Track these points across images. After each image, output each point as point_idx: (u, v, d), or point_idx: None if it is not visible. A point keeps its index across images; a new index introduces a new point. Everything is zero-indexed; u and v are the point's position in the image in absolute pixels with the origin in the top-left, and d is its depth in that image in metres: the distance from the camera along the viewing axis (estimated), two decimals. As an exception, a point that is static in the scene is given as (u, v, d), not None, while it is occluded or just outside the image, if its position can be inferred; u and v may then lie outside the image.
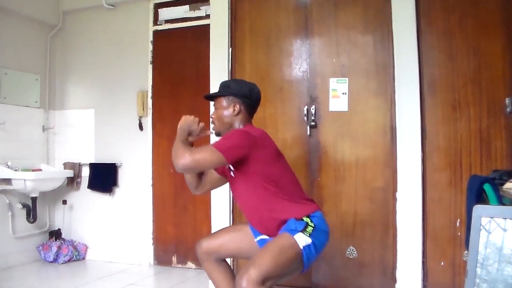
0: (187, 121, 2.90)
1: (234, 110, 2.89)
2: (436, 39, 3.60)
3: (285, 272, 2.59)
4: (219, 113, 2.95)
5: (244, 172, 2.77)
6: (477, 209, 1.96)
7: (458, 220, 3.51)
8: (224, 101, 2.93)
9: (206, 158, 2.62)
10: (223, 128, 2.95)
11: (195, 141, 2.93)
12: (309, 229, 2.62)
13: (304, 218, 2.65)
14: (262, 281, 2.41)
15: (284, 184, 2.76)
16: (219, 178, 3.06)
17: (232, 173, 2.85)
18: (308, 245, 2.58)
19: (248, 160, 2.71)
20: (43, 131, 5.44)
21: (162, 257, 5.07)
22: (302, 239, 2.57)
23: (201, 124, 2.91)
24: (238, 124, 2.91)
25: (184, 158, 2.64)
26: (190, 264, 4.94)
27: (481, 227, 1.93)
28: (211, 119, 3.01)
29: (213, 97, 3.02)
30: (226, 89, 2.97)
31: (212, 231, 4.02)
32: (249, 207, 2.87)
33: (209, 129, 3.07)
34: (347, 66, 3.80)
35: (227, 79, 4.03)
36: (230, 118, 2.91)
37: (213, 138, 3.06)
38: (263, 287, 2.41)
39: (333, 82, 3.79)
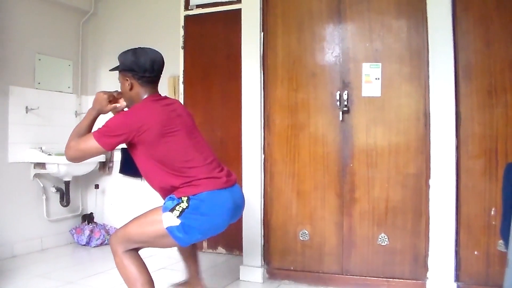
0: (98, 99, 2.95)
1: (127, 85, 2.86)
2: (472, 24, 3.52)
3: (151, 242, 2.76)
4: (121, 89, 2.95)
5: (133, 151, 2.81)
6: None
7: (493, 209, 3.44)
8: (120, 77, 2.92)
9: (86, 148, 2.72)
10: (129, 103, 2.95)
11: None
12: (178, 209, 2.63)
13: (183, 198, 2.65)
14: (124, 241, 2.70)
15: (171, 163, 2.72)
16: None
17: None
18: (175, 226, 2.61)
19: (133, 144, 2.74)
20: (76, 116, 5.51)
21: (192, 242, 5.10)
22: (168, 219, 2.62)
23: (110, 106, 2.96)
24: (136, 98, 2.87)
25: (69, 149, 2.79)
26: (220, 249, 4.97)
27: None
28: None
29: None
30: (119, 63, 2.93)
31: (243, 218, 4.03)
32: (147, 179, 2.91)
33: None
34: (381, 51, 3.74)
35: (258, 64, 4.02)
36: (128, 94, 2.89)
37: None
38: (122, 245, 2.70)
39: (366, 67, 3.74)
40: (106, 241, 5.28)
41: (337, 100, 3.79)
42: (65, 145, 2.83)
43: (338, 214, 3.83)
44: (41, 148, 4.97)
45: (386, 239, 3.70)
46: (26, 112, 4.94)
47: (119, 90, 2.99)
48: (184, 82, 5.10)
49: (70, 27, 5.54)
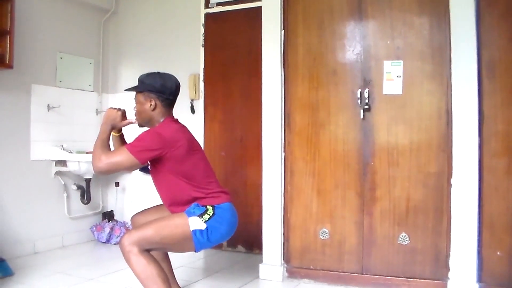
0: (111, 116, 3.13)
1: (150, 105, 3.09)
2: (496, 20, 3.46)
3: (168, 245, 2.94)
4: (138, 108, 3.17)
5: (158, 168, 3.02)
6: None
7: (517, 208, 3.40)
8: (141, 97, 3.13)
9: (120, 161, 2.87)
10: (143, 122, 3.19)
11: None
12: (207, 216, 2.90)
13: (208, 206, 2.94)
14: (138, 242, 2.78)
15: (195, 178, 3.00)
16: None
17: (149, 167, 3.10)
18: (200, 230, 2.86)
19: (160, 159, 2.93)
20: (97, 114, 5.55)
21: (212, 240, 5.10)
22: (196, 223, 2.87)
23: (125, 121, 3.19)
24: (156, 118, 3.11)
25: (100, 162, 2.91)
26: (240, 248, 4.96)
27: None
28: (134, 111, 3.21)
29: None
30: (141, 84, 3.15)
31: (263, 217, 4.03)
32: (164, 195, 3.14)
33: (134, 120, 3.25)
34: (402, 48, 3.70)
35: (279, 62, 4.01)
36: (147, 113, 3.11)
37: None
38: (138, 245, 2.77)
39: (387, 65, 3.71)
40: (126, 239, 5.30)
41: (358, 98, 3.76)
42: (92, 158, 2.98)
43: (359, 213, 3.80)
44: (62, 146, 5.00)
45: (407, 239, 3.66)
46: (48, 110, 4.99)
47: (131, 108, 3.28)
48: (204, 80, 5.11)
49: (91, 25, 5.58)
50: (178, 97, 5.17)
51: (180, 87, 3.23)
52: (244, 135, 4.93)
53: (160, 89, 3.08)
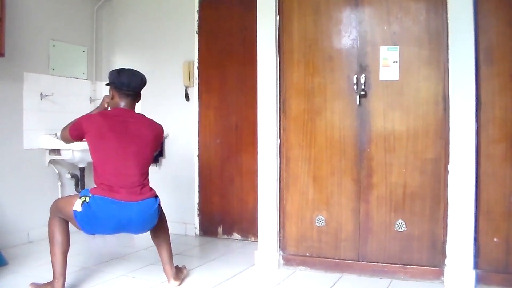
0: (105, 104, 3.65)
1: (110, 96, 3.57)
2: (494, 5, 3.42)
3: (67, 218, 3.29)
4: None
5: None
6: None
7: (514, 195, 3.38)
8: (109, 89, 3.59)
9: (66, 136, 3.52)
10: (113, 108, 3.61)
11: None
12: (83, 200, 3.19)
13: (90, 193, 3.21)
14: (55, 209, 3.35)
15: (97, 164, 3.33)
16: None
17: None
18: (78, 212, 3.18)
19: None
20: (90, 102, 5.52)
21: (207, 228, 5.11)
22: (77, 204, 3.20)
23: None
24: (115, 106, 3.53)
25: (60, 131, 3.64)
26: (235, 235, 4.96)
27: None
28: None
29: None
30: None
31: (259, 204, 4.01)
32: None
33: None
34: (399, 33, 3.66)
35: (274, 48, 3.97)
36: (111, 103, 3.57)
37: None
38: (55, 211, 3.33)
39: (383, 50, 3.67)
40: (121, 228, 5.29)
41: (354, 84, 3.73)
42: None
43: (355, 200, 3.78)
44: (55, 134, 4.95)
45: (404, 225, 3.65)
46: (41, 99, 4.94)
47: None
48: (199, 67, 5.09)
49: (84, 13, 5.52)
50: (172, 84, 5.21)
51: (142, 83, 3.56)
52: (239, 122, 4.91)
53: (114, 81, 3.49)
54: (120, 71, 3.52)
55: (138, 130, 3.42)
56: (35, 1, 4.90)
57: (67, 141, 3.60)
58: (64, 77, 5.24)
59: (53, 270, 3.28)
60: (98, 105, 3.77)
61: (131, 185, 3.29)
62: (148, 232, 3.58)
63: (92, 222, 3.22)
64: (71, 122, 3.52)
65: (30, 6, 4.84)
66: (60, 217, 3.30)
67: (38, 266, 3.93)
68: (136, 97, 3.58)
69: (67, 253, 3.31)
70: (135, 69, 3.60)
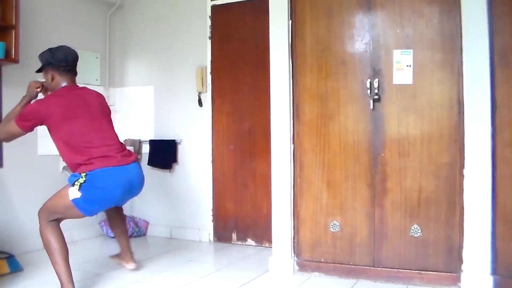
0: (32, 92, 3.55)
1: (49, 77, 3.47)
2: (508, 7, 3.38)
3: (63, 214, 3.34)
4: (45, 85, 3.56)
5: (50, 135, 3.37)
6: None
7: (532, 199, 3.34)
8: (43, 74, 3.52)
9: (9, 130, 3.35)
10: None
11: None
12: (78, 184, 3.18)
13: (82, 174, 3.19)
14: (46, 213, 3.31)
15: (73, 144, 3.28)
16: None
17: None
18: (78, 198, 3.18)
19: (47, 127, 3.31)
20: (105, 108, 5.51)
21: (221, 234, 5.09)
22: (72, 192, 3.20)
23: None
24: (57, 87, 3.46)
25: None
26: (250, 241, 4.94)
27: None
28: None
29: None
30: (40, 63, 3.53)
31: (273, 210, 4.00)
32: (61, 157, 3.49)
33: None
34: (412, 37, 3.63)
35: (287, 53, 3.95)
36: (51, 85, 3.49)
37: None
38: (44, 217, 3.30)
39: (397, 54, 3.64)
40: (135, 233, 5.29)
41: (368, 88, 3.71)
42: None
43: (369, 205, 3.75)
44: (70, 141, 4.98)
45: (419, 231, 3.61)
46: (55, 105, 4.95)
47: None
48: (211, 73, 5.09)
49: (97, 19, 5.55)
50: (184, 89, 5.21)
51: (74, 55, 3.52)
52: (252, 127, 4.90)
53: (50, 61, 3.43)
54: (53, 49, 3.48)
55: (94, 101, 3.53)
56: (48, 8, 4.94)
57: (11, 136, 3.44)
58: (78, 84, 5.24)
59: (60, 279, 3.31)
60: (25, 95, 3.59)
61: (118, 150, 3.42)
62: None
63: (98, 199, 3.27)
64: (7, 117, 3.45)
65: (43, 13, 4.87)
66: (51, 221, 3.30)
67: (53, 273, 3.91)
68: (74, 71, 3.57)
69: (68, 258, 3.34)
70: (60, 45, 3.59)
